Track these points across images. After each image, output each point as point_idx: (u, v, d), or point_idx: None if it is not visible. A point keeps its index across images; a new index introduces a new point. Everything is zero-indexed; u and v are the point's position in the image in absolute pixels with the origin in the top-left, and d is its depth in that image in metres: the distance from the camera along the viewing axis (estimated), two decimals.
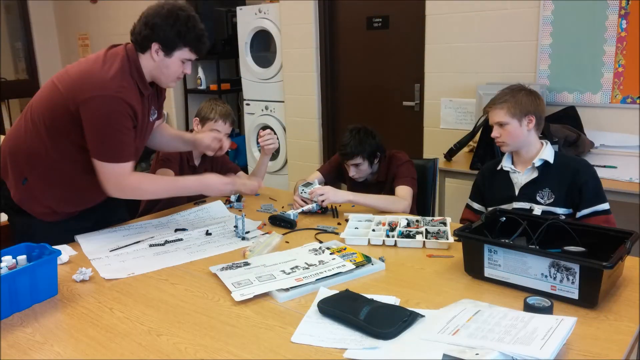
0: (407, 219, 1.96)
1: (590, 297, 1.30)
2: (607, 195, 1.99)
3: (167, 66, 1.81)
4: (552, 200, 1.96)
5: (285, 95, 4.58)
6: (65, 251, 1.75)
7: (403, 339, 1.19)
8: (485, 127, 2.84)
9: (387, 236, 1.82)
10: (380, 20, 4.05)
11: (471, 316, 1.22)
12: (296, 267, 1.58)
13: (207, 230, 1.97)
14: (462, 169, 3.03)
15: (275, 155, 4.72)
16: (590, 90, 3.14)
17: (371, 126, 2.43)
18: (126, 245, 1.83)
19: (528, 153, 2.03)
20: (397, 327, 1.21)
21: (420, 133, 3.87)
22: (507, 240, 1.55)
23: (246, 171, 4.27)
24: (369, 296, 1.36)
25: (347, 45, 4.29)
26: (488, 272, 1.47)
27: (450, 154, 3.15)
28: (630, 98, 3.03)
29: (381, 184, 2.46)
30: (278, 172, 4.83)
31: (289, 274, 1.53)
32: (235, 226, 1.95)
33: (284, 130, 4.67)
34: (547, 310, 1.23)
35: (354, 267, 1.57)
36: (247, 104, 4.89)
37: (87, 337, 1.27)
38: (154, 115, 1.98)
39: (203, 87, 5.17)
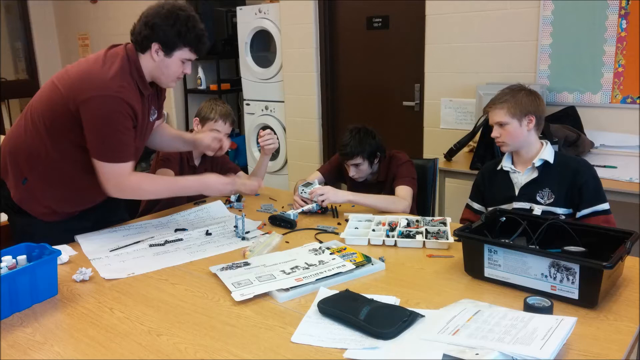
0: (407, 219, 1.96)
1: (590, 297, 1.30)
2: (607, 195, 1.99)
3: (167, 66, 1.82)
4: (552, 200, 1.96)
5: (285, 95, 4.58)
6: (65, 251, 1.75)
7: (403, 339, 1.19)
8: (485, 127, 2.84)
9: (387, 236, 1.81)
10: (380, 20, 4.05)
11: (471, 316, 1.22)
12: (296, 267, 1.58)
13: (207, 230, 1.97)
14: (462, 169, 3.03)
15: (275, 155, 4.72)
16: (590, 90, 3.14)
17: (371, 126, 2.43)
18: (126, 245, 1.83)
19: (528, 153, 2.03)
20: (397, 327, 1.21)
21: (420, 133, 3.87)
22: (507, 240, 1.55)
23: (246, 171, 4.27)
24: (369, 296, 1.36)
25: (347, 45, 4.29)
26: (488, 272, 1.47)
27: (450, 154, 3.15)
28: (630, 98, 3.03)
29: (381, 184, 2.46)
30: (278, 172, 4.83)
31: (289, 274, 1.53)
32: (235, 226, 1.95)
33: (284, 130, 4.67)
34: (547, 310, 1.23)
35: (354, 267, 1.57)
36: (247, 104, 4.89)
37: (87, 337, 1.27)
38: (154, 115, 1.98)
39: (203, 87, 5.17)
